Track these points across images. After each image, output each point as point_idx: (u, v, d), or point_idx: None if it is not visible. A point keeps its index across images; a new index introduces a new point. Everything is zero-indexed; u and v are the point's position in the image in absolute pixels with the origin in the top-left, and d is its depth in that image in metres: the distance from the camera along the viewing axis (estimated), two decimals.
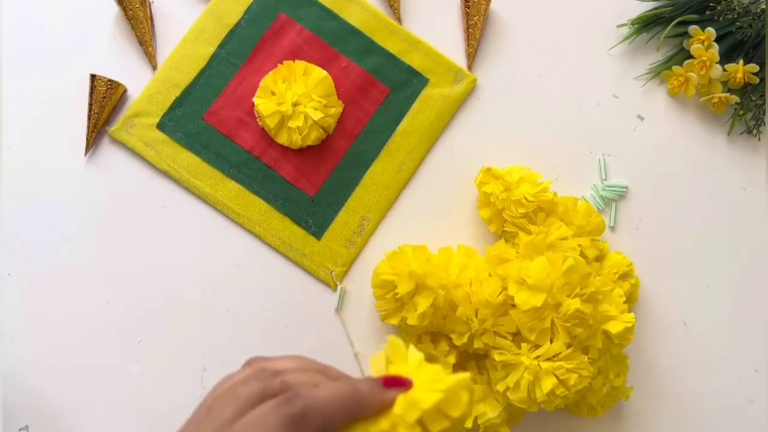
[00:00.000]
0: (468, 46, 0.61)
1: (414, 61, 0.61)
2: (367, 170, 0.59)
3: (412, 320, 0.51)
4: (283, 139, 0.58)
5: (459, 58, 0.61)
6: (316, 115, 0.56)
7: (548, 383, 0.49)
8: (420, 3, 0.62)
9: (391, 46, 0.61)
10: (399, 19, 0.61)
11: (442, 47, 0.61)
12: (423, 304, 0.51)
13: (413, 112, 0.60)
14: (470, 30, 0.60)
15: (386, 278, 0.52)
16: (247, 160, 0.59)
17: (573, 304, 0.49)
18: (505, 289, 0.51)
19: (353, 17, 0.61)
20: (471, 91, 0.61)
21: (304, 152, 0.59)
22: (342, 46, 0.60)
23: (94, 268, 0.58)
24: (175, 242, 0.58)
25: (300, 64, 0.58)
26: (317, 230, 0.59)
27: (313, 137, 0.58)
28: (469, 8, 0.60)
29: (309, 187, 0.59)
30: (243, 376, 0.33)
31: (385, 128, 0.60)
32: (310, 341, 0.57)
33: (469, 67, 0.61)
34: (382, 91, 0.60)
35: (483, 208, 0.57)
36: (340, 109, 0.59)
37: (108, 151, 0.59)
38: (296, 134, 0.57)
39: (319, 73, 0.58)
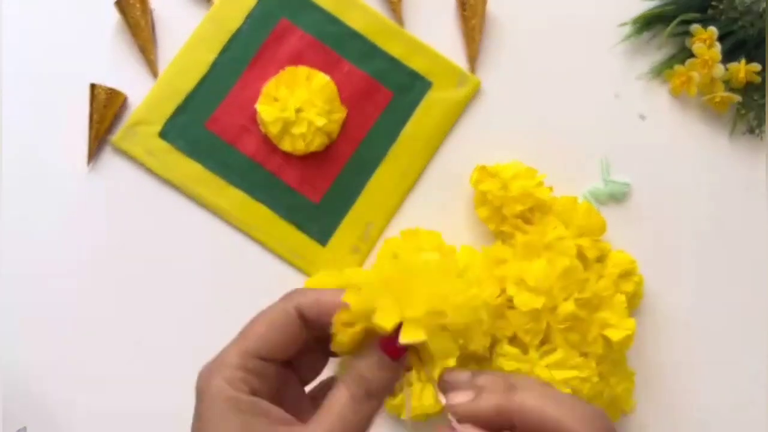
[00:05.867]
0: (469, 49, 0.60)
1: (417, 64, 0.60)
2: (372, 175, 0.59)
3: None
4: (286, 145, 0.57)
5: (461, 61, 0.61)
6: (320, 121, 0.56)
7: None
8: (421, 5, 0.61)
9: (394, 50, 0.60)
10: (401, 22, 0.61)
11: (444, 50, 0.61)
12: None
13: (417, 116, 0.60)
14: (469, 33, 0.60)
15: (394, 250, 0.52)
16: (251, 167, 0.58)
17: (567, 307, 0.49)
18: (504, 291, 0.51)
19: (355, 21, 0.60)
20: (474, 93, 0.61)
21: (308, 158, 0.58)
22: (344, 51, 0.60)
23: (94, 269, 0.57)
24: (177, 245, 0.58)
25: (302, 70, 0.57)
26: (322, 237, 0.58)
27: (317, 143, 0.57)
28: (465, 11, 0.60)
29: (313, 194, 0.58)
30: None
31: (389, 133, 0.59)
32: None
33: (472, 69, 0.61)
34: (386, 95, 0.60)
35: (480, 207, 0.57)
36: (344, 115, 0.59)
37: (110, 160, 0.59)
38: (300, 141, 0.57)
39: (321, 78, 0.57)
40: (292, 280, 0.58)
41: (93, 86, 0.57)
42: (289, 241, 0.58)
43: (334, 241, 0.58)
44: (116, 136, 0.58)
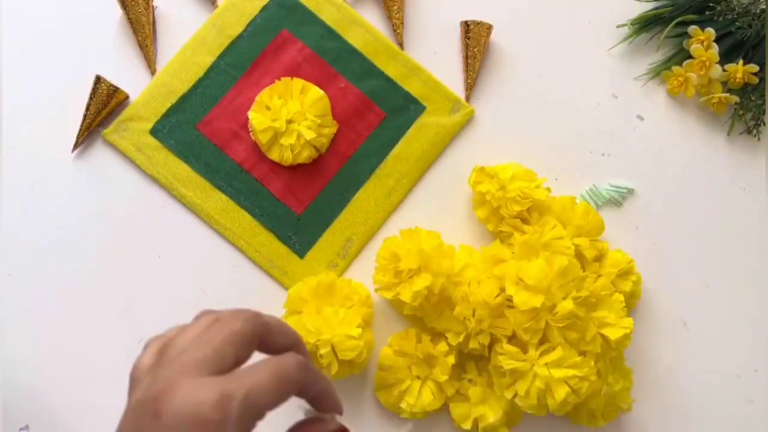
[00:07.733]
0: (467, 77, 0.61)
1: (412, 87, 0.60)
2: (356, 192, 0.59)
3: (405, 296, 0.51)
4: (274, 155, 0.58)
5: (458, 87, 0.61)
6: (309, 135, 0.56)
7: (561, 392, 0.49)
8: (423, 30, 0.62)
9: (391, 71, 0.60)
10: (401, 45, 0.61)
11: (443, 75, 0.61)
12: (420, 283, 0.51)
13: (407, 139, 0.60)
14: (469, 60, 0.60)
15: (395, 250, 0.52)
16: (237, 173, 0.58)
17: (566, 306, 0.49)
18: (503, 290, 0.52)
19: (355, 39, 0.60)
20: (467, 122, 0.61)
21: (295, 169, 0.59)
22: (342, 67, 0.60)
23: (93, 267, 0.58)
24: (174, 243, 0.58)
25: (298, 82, 0.58)
26: (301, 249, 0.58)
27: (305, 156, 0.57)
28: (469, 38, 0.60)
29: (296, 205, 0.59)
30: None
31: (377, 152, 0.60)
32: None
33: (468, 97, 0.61)
34: (378, 114, 0.60)
35: (479, 208, 0.57)
36: (334, 130, 0.59)
37: (99, 151, 0.59)
38: (288, 151, 0.57)
39: (315, 92, 0.58)
40: (268, 287, 0.58)
41: (98, 78, 0.57)
42: (267, 250, 0.58)
43: (312, 254, 0.58)
44: (107, 129, 0.58)
